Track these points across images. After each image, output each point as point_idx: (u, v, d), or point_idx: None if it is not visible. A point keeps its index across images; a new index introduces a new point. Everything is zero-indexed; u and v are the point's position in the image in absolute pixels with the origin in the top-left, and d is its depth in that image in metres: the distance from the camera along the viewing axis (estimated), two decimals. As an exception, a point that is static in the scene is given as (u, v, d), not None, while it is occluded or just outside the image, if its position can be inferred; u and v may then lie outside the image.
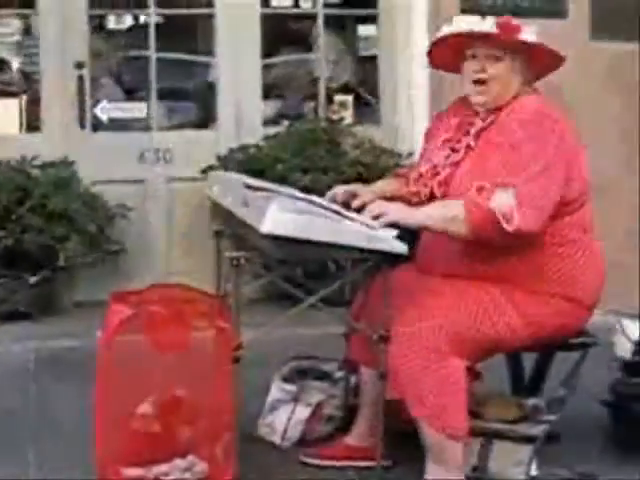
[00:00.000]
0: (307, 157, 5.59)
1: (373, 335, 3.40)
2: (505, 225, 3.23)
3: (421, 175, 3.58)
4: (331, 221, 3.15)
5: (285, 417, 3.95)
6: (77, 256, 5.29)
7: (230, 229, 3.87)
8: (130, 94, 6.08)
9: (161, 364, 3.63)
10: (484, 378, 3.85)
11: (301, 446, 3.91)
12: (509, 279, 3.41)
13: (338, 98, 6.13)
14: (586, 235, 3.51)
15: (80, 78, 5.68)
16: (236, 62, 5.87)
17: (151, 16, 5.83)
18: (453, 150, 3.52)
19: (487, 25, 3.49)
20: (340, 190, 3.77)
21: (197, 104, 6.27)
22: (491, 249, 3.39)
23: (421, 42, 5.76)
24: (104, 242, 5.49)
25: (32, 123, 5.77)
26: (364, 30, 6.38)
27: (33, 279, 5.35)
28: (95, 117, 5.78)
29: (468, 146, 3.48)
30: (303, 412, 3.94)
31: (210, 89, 6.03)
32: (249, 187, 3.50)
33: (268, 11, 5.96)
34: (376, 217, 3.28)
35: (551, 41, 5.38)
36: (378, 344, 3.38)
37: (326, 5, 6.02)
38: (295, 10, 6.07)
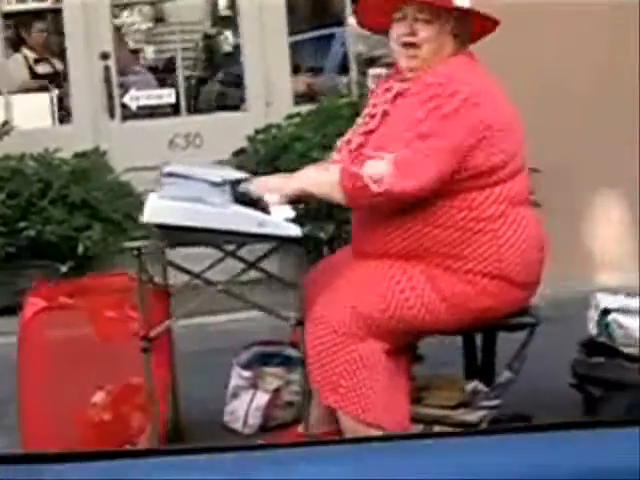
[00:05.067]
0: (327, 134, 5.47)
1: (290, 321, 3.31)
2: (374, 187, 3.10)
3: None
4: (218, 207, 3.07)
5: (245, 404, 3.90)
6: (98, 245, 5.35)
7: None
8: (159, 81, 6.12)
9: (105, 354, 3.65)
10: (436, 361, 3.71)
11: (263, 433, 3.86)
12: (428, 257, 3.26)
13: (372, 72, 5.97)
14: (515, 209, 3.30)
15: (106, 68, 5.74)
16: (262, 41, 5.81)
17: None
18: (372, 117, 3.38)
19: None
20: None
21: (225, 86, 6.25)
22: (408, 224, 3.26)
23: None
24: (131, 229, 5.53)
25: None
26: None
27: (64, 268, 5.45)
28: (124, 106, 5.83)
29: (384, 112, 3.33)
30: (262, 398, 3.88)
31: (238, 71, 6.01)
32: (170, 175, 3.45)
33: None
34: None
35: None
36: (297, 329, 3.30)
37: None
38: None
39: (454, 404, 3.42)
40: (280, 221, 3.09)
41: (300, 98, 6.00)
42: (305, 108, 5.82)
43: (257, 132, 5.70)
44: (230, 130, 5.74)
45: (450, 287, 3.24)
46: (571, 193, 5.58)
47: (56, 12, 5.83)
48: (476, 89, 3.24)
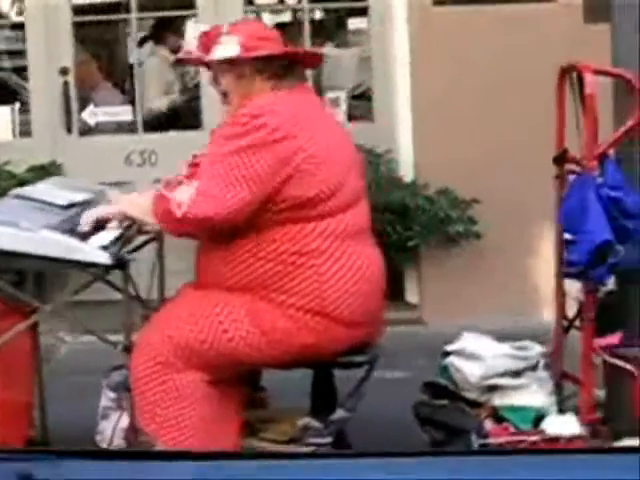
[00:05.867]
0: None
1: (117, 347, 3.33)
2: (176, 211, 3.11)
3: None
4: (28, 232, 3.08)
5: (112, 425, 3.90)
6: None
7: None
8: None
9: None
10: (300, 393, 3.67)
11: (129, 455, 3.87)
12: (253, 289, 3.24)
13: (330, 95, 5.92)
14: (344, 243, 3.24)
15: (65, 84, 5.80)
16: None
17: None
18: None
19: (190, 42, 3.37)
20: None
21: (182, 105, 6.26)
22: (232, 255, 3.25)
23: (402, 40, 5.57)
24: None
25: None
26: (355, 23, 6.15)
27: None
28: (82, 121, 5.88)
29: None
30: (125, 421, 3.88)
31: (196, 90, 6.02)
32: (17, 197, 3.48)
33: (251, 8, 5.88)
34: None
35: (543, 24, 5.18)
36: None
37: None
38: (280, 7, 5.93)
39: (287, 439, 3.38)
40: (91, 248, 3.10)
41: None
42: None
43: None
44: (186, 148, 5.74)
45: (272, 321, 3.20)
46: (520, 226, 5.48)
47: (18, 26, 5.92)
48: (290, 121, 3.21)
